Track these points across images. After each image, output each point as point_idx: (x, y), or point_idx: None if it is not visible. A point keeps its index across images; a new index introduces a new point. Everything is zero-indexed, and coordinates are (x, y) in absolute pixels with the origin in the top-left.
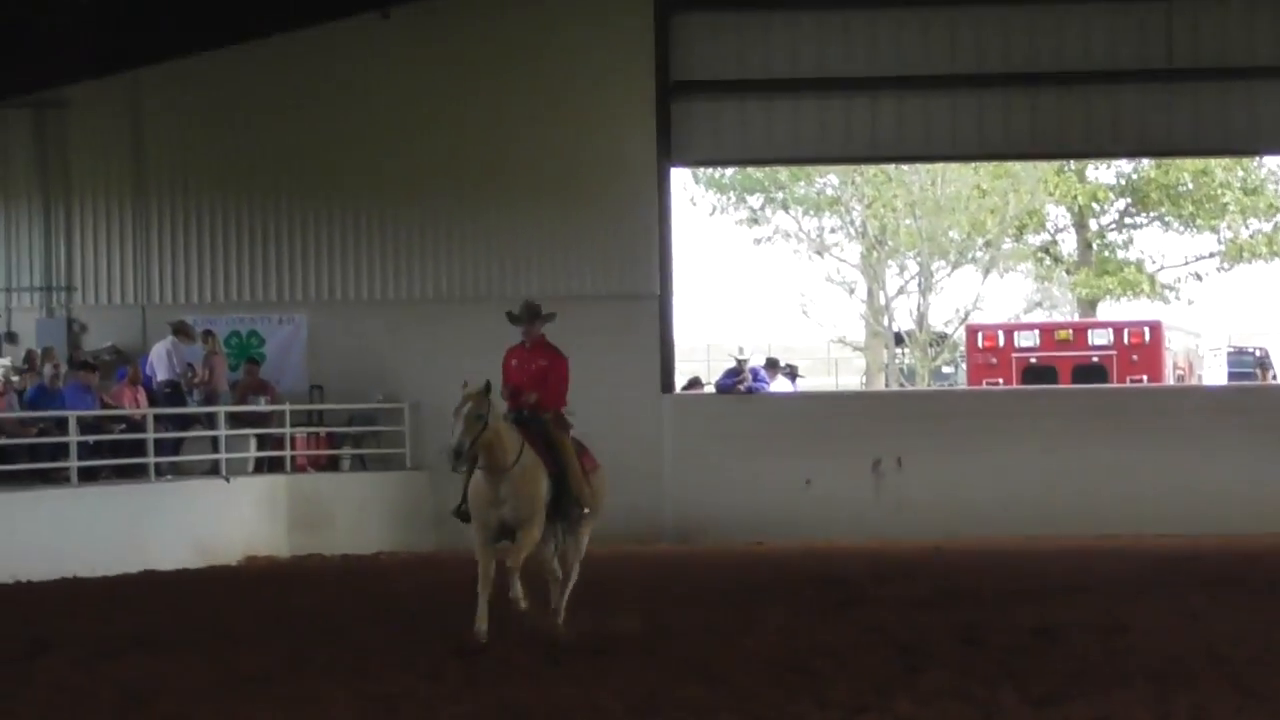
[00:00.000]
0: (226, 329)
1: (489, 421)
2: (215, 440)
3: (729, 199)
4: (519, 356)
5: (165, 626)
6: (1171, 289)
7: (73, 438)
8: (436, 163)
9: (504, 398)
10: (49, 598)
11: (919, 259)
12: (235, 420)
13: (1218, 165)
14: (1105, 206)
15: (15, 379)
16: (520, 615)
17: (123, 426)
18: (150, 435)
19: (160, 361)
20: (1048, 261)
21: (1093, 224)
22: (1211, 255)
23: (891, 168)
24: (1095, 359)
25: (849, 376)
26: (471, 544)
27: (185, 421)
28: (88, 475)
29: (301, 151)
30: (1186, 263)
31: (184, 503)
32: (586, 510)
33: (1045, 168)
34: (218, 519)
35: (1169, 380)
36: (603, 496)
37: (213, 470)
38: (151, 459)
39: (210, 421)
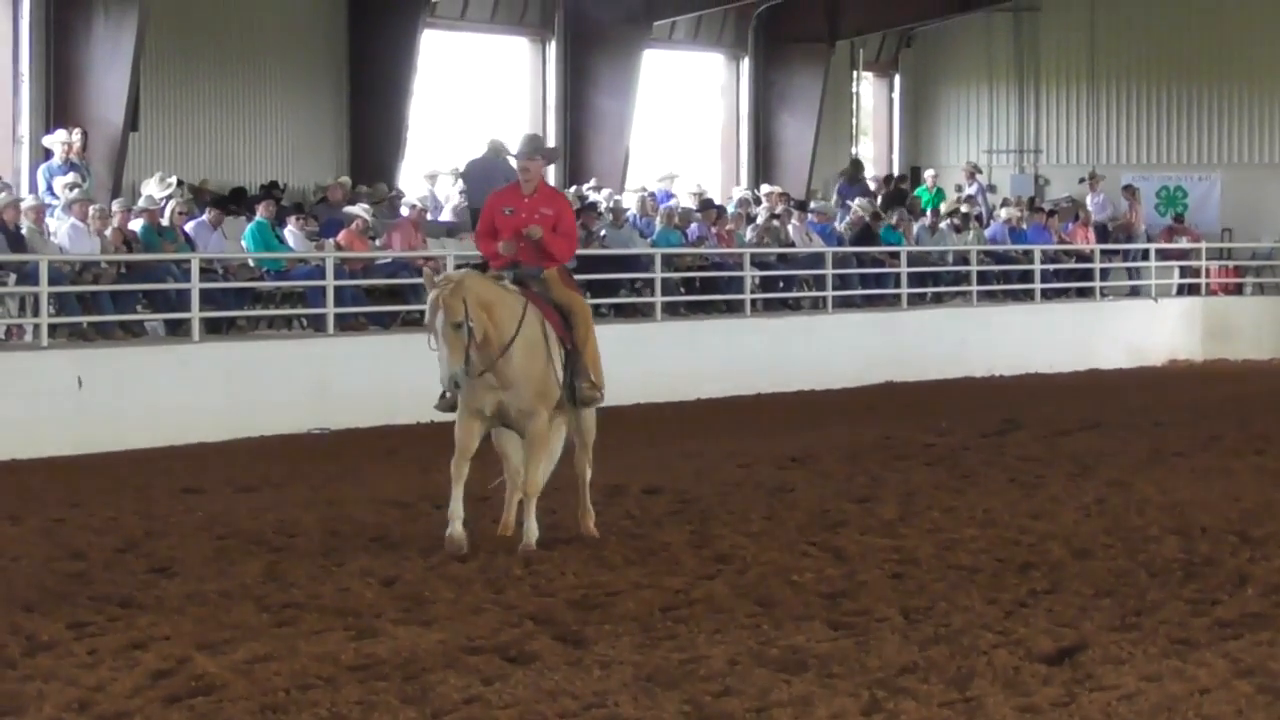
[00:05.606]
0: (1157, 184)
1: (472, 321)
2: (1140, 270)
3: None
4: (513, 203)
5: (1107, 412)
6: None
7: (1037, 266)
8: None
9: (486, 254)
10: (1017, 389)
11: None
12: (1162, 255)
13: None
14: None
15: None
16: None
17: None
18: (1096, 265)
19: (1100, 210)
20: None
21: None
22: None
23: None
24: None
25: None
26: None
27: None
28: (1050, 296)
29: (1221, 38)
30: None
31: (1119, 317)
32: (600, 394)
33: None
34: (1146, 330)
35: None
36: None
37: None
38: (1097, 284)
39: (1143, 255)
